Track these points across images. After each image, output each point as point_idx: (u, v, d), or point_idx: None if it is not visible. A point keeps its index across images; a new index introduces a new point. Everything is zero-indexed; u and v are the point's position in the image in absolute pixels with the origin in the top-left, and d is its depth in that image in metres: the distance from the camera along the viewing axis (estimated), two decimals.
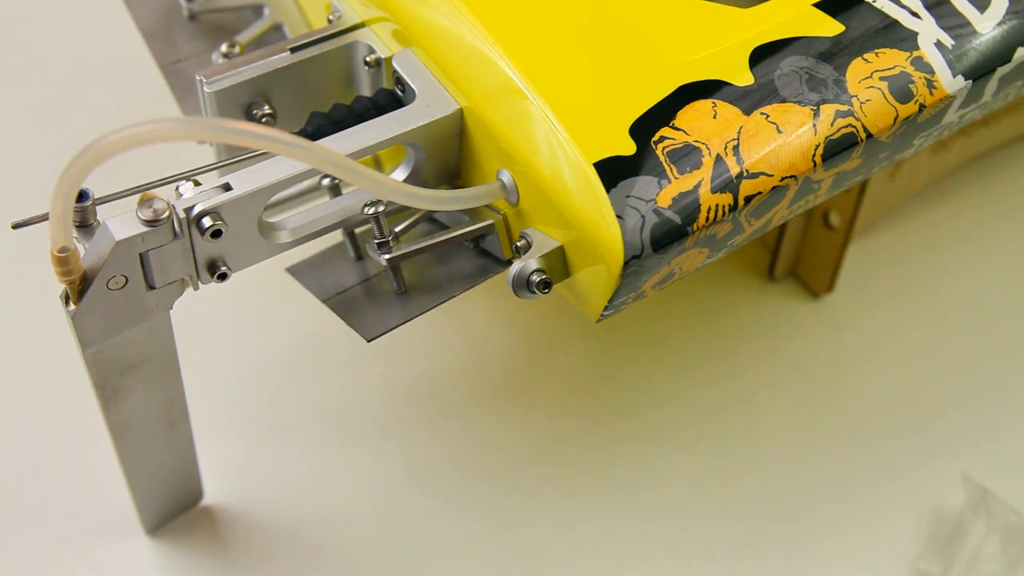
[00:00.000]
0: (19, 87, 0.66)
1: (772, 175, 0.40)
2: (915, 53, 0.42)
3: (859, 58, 0.42)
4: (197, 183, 0.38)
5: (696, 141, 0.39)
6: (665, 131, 0.39)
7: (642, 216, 0.38)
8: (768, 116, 0.40)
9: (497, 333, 0.57)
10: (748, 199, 0.39)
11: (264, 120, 0.44)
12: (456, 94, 0.42)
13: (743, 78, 0.41)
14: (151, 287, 0.38)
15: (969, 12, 0.44)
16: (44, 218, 0.35)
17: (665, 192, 0.38)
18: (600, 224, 0.38)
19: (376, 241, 0.42)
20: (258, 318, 0.57)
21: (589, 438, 0.53)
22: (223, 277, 0.39)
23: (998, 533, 0.48)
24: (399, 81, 0.43)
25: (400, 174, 0.43)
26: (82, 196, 0.36)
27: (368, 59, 0.44)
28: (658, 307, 0.58)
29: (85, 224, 0.37)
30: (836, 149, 0.41)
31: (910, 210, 0.62)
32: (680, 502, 0.51)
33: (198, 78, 0.43)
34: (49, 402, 0.53)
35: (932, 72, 0.42)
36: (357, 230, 0.45)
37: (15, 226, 0.37)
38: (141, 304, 0.38)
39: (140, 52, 0.53)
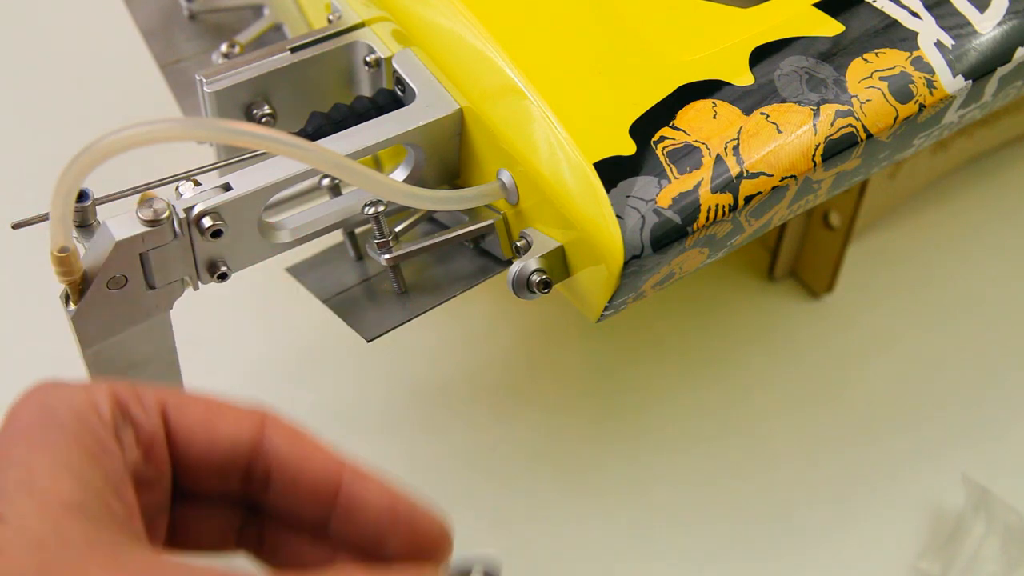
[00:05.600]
0: (19, 87, 0.66)
1: (772, 175, 0.40)
2: (915, 53, 0.42)
3: (859, 58, 0.42)
4: (197, 183, 0.38)
5: (696, 141, 0.39)
6: (665, 131, 0.39)
7: (642, 216, 0.38)
8: (768, 116, 0.40)
9: (497, 333, 0.57)
10: (748, 199, 0.39)
11: (264, 120, 0.44)
12: (456, 94, 0.42)
13: (743, 78, 0.41)
14: (151, 287, 0.38)
15: (969, 12, 0.44)
16: (44, 218, 0.35)
17: (665, 192, 0.38)
18: (600, 224, 0.38)
19: (376, 241, 0.42)
20: (258, 318, 0.57)
21: (589, 437, 0.53)
22: (223, 277, 0.39)
23: (998, 533, 0.48)
24: (399, 81, 0.43)
25: (400, 174, 0.43)
26: (82, 196, 0.36)
27: (368, 59, 0.44)
28: (658, 307, 0.58)
29: (85, 224, 0.37)
30: (836, 149, 0.41)
31: (910, 210, 0.62)
32: (679, 501, 0.51)
33: (198, 78, 0.43)
34: None
35: (932, 72, 0.42)
36: (357, 230, 0.46)
37: (15, 226, 0.38)
38: (141, 304, 0.38)
39: (140, 52, 0.53)
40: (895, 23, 0.43)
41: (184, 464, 0.31)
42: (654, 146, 0.39)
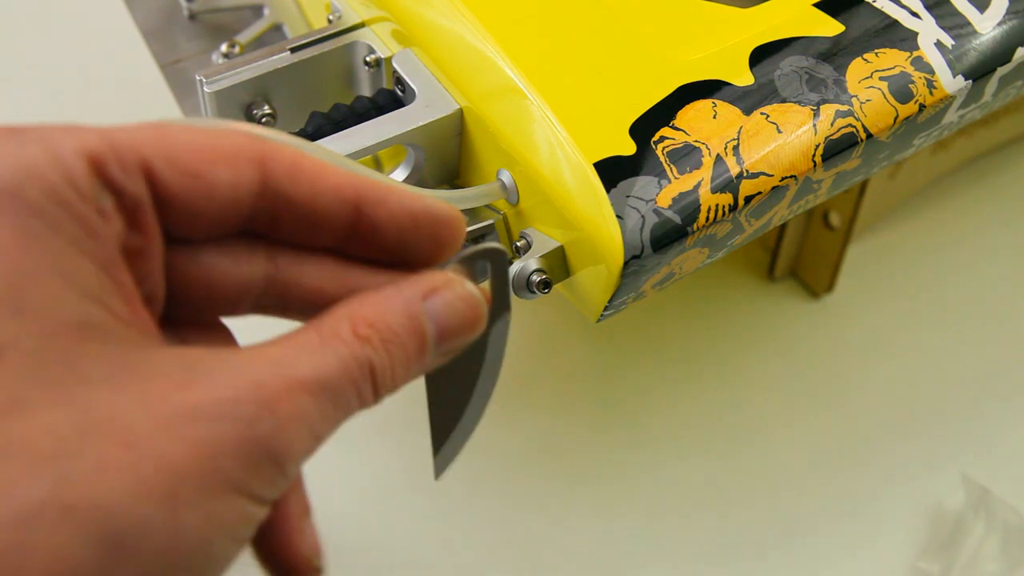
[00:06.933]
0: (19, 87, 0.66)
1: (772, 175, 0.40)
2: (915, 53, 0.42)
3: (859, 58, 0.42)
4: None
5: (696, 141, 0.39)
6: (665, 131, 0.39)
7: (642, 216, 0.38)
8: (768, 116, 0.40)
9: None
10: (748, 199, 0.39)
11: (264, 120, 0.44)
12: (456, 94, 0.42)
13: (743, 78, 0.41)
14: None
15: (969, 12, 0.44)
16: None
17: (665, 192, 0.38)
18: (600, 224, 0.38)
19: None
20: (258, 318, 0.57)
21: (588, 439, 0.53)
22: None
23: (998, 533, 0.48)
24: (399, 81, 0.43)
25: (400, 174, 0.43)
26: None
27: (368, 59, 0.44)
28: (658, 307, 0.58)
29: None
30: (836, 149, 0.41)
31: (910, 210, 0.62)
32: (679, 502, 0.51)
33: (198, 78, 0.43)
34: None
35: (932, 72, 0.42)
36: None
37: None
38: None
39: (140, 52, 0.53)
40: (895, 23, 0.43)
41: (176, 222, 0.27)
42: (654, 146, 0.39)
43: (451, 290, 0.29)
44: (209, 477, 0.23)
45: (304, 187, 0.27)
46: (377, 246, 0.29)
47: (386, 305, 0.28)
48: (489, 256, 0.31)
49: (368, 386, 0.28)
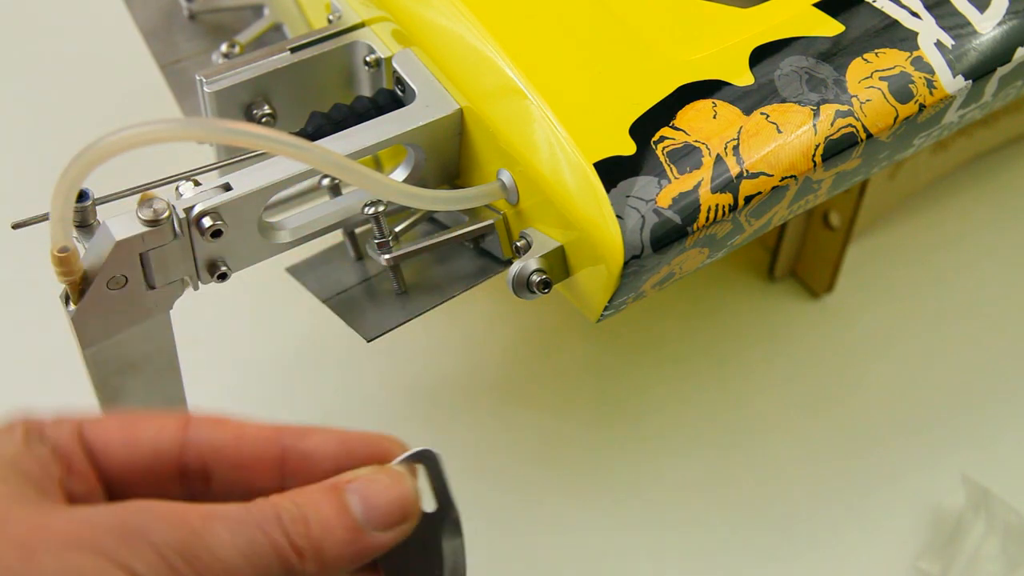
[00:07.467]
0: (19, 87, 0.66)
1: (772, 175, 0.40)
2: (915, 53, 0.42)
3: (859, 58, 0.42)
4: (197, 183, 0.38)
5: (696, 141, 0.39)
6: (665, 131, 0.39)
7: (642, 216, 0.38)
8: (768, 116, 0.40)
9: (497, 333, 0.57)
10: (748, 199, 0.39)
11: (264, 120, 0.44)
12: (456, 94, 0.42)
13: (743, 78, 0.41)
14: (151, 287, 0.38)
15: (969, 12, 0.44)
16: (44, 218, 0.35)
17: (665, 192, 0.38)
18: (600, 224, 0.38)
19: (376, 241, 0.42)
20: (258, 318, 0.57)
21: (588, 439, 0.53)
22: (223, 277, 0.39)
23: (998, 533, 0.48)
24: (399, 81, 0.43)
25: (400, 174, 0.43)
26: (82, 196, 0.36)
27: (368, 59, 0.44)
28: (658, 307, 0.58)
29: (85, 224, 0.37)
30: (836, 149, 0.41)
31: (910, 210, 0.62)
32: (679, 502, 0.51)
33: (198, 78, 0.43)
34: (49, 402, 0.53)
35: (932, 72, 0.42)
36: (357, 230, 0.46)
37: (15, 226, 0.38)
38: (141, 304, 0.38)
39: (140, 52, 0.53)
40: (895, 23, 0.43)
41: (111, 475, 0.31)
42: (654, 146, 0.39)
43: (375, 470, 0.31)
44: (75, 540, 0.27)
45: (228, 432, 0.31)
46: (315, 479, 0.31)
47: (306, 487, 0.30)
48: (421, 459, 0.32)
49: (277, 529, 0.29)
